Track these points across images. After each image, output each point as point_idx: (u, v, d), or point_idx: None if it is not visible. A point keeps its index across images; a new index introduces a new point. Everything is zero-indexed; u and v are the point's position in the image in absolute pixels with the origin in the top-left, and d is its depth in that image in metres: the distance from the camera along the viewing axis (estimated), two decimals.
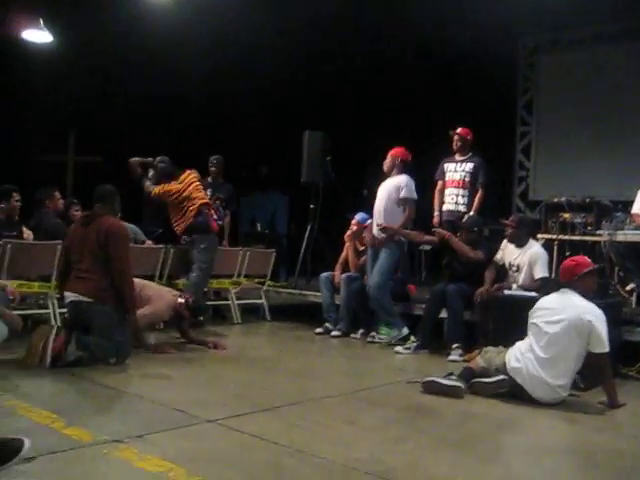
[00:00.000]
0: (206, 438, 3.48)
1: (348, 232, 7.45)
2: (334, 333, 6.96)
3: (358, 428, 3.81)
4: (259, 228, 10.64)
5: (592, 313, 4.38)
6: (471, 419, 4.16)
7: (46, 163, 11.88)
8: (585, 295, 4.53)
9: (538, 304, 4.61)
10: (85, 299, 5.10)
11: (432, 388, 4.58)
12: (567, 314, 4.39)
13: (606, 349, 4.34)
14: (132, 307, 5.28)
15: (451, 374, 4.70)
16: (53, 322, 5.81)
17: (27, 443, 2.79)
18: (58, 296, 5.72)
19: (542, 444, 3.78)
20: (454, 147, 7.36)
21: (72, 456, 3.06)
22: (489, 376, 4.57)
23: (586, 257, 4.99)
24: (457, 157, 7.39)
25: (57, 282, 5.75)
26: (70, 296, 5.19)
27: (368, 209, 7.43)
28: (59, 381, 4.46)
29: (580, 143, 9.38)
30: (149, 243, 7.47)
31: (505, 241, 6.22)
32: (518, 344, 4.55)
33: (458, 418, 4.16)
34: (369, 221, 7.21)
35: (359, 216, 7.40)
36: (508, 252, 6.18)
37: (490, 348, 4.78)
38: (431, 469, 3.20)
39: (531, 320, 4.55)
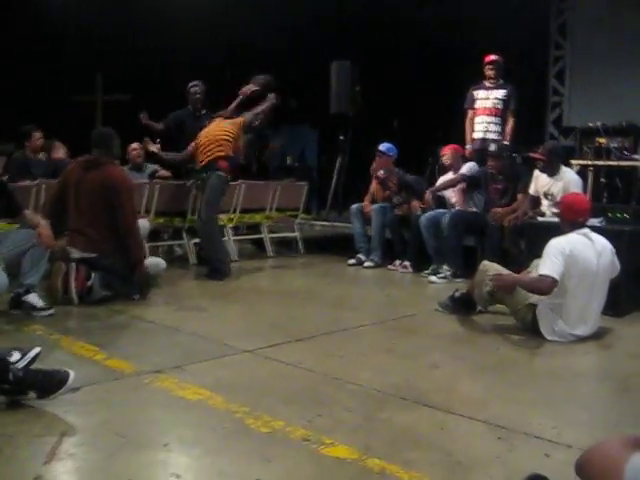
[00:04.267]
0: (243, 367, 3.55)
1: (374, 164, 7.37)
2: (367, 264, 6.98)
3: (393, 356, 3.86)
4: (289, 161, 10.59)
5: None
6: (506, 346, 4.18)
7: (77, 103, 11.92)
8: None
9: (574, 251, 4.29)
10: (89, 255, 4.94)
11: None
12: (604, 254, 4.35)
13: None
14: (139, 260, 5.12)
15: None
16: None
17: (72, 374, 2.88)
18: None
19: (576, 369, 3.80)
20: (488, 75, 7.15)
21: (115, 386, 3.16)
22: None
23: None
24: (487, 84, 7.19)
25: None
26: (74, 252, 4.94)
27: (398, 139, 7.38)
28: (98, 316, 4.56)
29: (616, 67, 9.05)
30: (164, 173, 7.35)
31: (536, 172, 6.09)
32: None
33: (493, 345, 4.18)
34: (393, 152, 7.17)
35: (383, 147, 7.29)
36: (541, 182, 6.06)
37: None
38: (466, 393, 3.25)
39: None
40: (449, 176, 6.98)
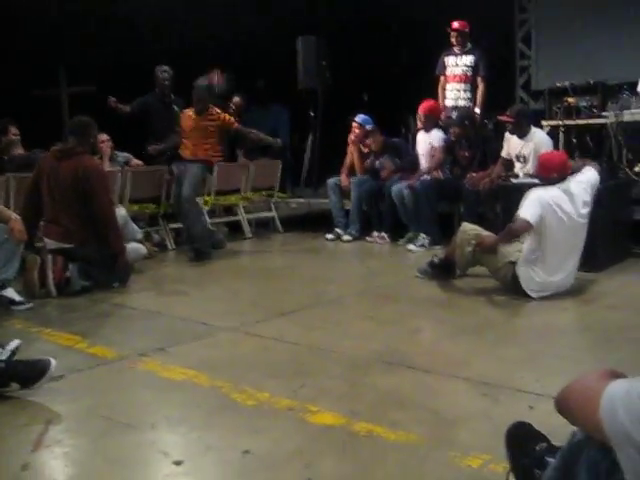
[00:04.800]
0: (226, 345, 3.56)
1: (351, 136, 7.36)
2: (345, 238, 6.98)
3: (375, 323, 3.89)
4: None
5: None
6: (486, 307, 4.22)
7: (39, 98, 11.69)
8: None
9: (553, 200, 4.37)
10: (65, 245, 4.90)
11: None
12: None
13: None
14: (120, 250, 5.03)
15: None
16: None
17: (53, 362, 2.86)
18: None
19: (556, 324, 3.85)
20: (454, 43, 7.17)
21: (98, 372, 3.15)
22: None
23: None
24: (457, 51, 7.21)
25: (22, 216, 4.62)
26: (50, 243, 4.95)
27: (368, 112, 7.37)
28: (78, 306, 4.53)
29: (581, 26, 9.05)
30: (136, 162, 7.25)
31: (507, 134, 6.11)
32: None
33: (473, 307, 4.22)
34: (370, 126, 7.16)
35: (359, 118, 7.28)
36: (512, 145, 6.08)
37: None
38: (449, 354, 3.28)
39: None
40: (421, 138, 7.01)
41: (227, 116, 6.65)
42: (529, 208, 4.25)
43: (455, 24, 7.13)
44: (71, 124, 5.19)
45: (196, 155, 6.47)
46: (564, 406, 1.42)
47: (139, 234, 6.08)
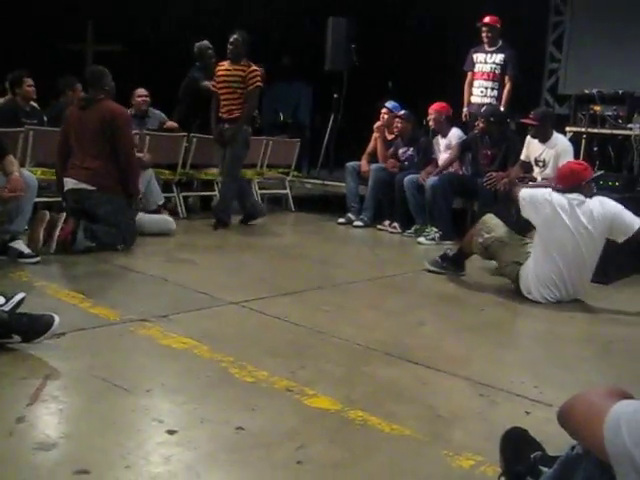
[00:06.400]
0: (229, 319, 3.56)
1: (378, 123, 7.31)
2: (356, 223, 6.96)
3: (380, 312, 3.88)
4: (281, 118, 10.47)
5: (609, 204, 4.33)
6: (492, 307, 4.20)
7: (65, 51, 11.66)
8: None
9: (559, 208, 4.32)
10: (86, 186, 5.02)
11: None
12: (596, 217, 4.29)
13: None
14: (136, 192, 5.30)
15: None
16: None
17: (57, 319, 2.86)
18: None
19: (559, 332, 3.83)
20: (484, 38, 7.07)
21: (100, 333, 3.16)
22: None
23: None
24: (487, 47, 7.10)
25: (56, 168, 5.38)
26: (70, 182, 5.07)
27: (395, 99, 7.33)
28: (86, 264, 4.55)
29: (616, 35, 8.96)
30: (171, 124, 7.23)
31: (528, 138, 6.05)
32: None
33: (479, 305, 4.20)
34: (401, 111, 7.11)
35: (390, 104, 7.25)
36: (532, 148, 6.02)
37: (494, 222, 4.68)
38: (449, 351, 3.27)
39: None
40: (440, 142, 6.95)
41: (256, 72, 6.32)
42: (533, 191, 4.43)
43: (486, 19, 7.03)
44: (86, 75, 5.33)
45: (232, 114, 6.33)
46: (567, 419, 1.41)
47: (161, 199, 6.12)
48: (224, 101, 6.37)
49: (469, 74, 7.24)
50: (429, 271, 4.91)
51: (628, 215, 4.26)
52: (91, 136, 5.05)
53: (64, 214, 4.86)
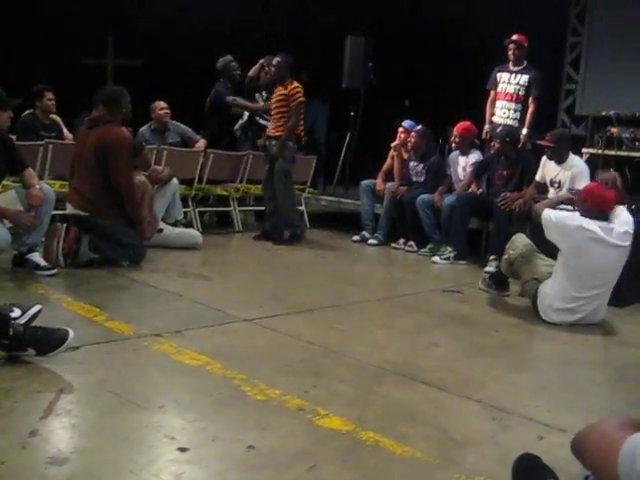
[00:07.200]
0: (242, 336, 3.57)
1: (396, 142, 7.32)
2: (371, 241, 6.96)
3: (393, 332, 3.87)
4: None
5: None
6: (506, 328, 4.18)
7: (86, 66, 11.79)
8: None
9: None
10: (81, 213, 4.95)
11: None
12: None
13: None
14: (137, 221, 5.11)
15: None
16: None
17: (71, 333, 2.89)
18: None
19: (574, 356, 3.80)
20: (510, 56, 6.94)
21: (114, 347, 3.18)
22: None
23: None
24: (512, 67, 6.98)
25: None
26: (69, 207, 5.04)
27: (411, 117, 7.34)
28: (101, 277, 4.58)
29: (633, 56, 8.95)
30: (202, 142, 7.26)
31: (544, 158, 6.03)
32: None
33: (493, 327, 4.18)
34: (417, 127, 7.12)
35: (407, 123, 7.26)
36: (548, 169, 6.00)
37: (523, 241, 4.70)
38: (462, 373, 3.25)
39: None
40: (460, 161, 6.94)
41: (297, 89, 6.52)
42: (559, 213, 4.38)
43: (515, 36, 6.91)
44: (102, 93, 5.19)
45: (277, 130, 6.58)
46: (581, 449, 1.40)
47: (181, 214, 6.14)
48: (272, 120, 6.71)
49: (492, 93, 7.13)
50: (480, 289, 4.99)
51: None
52: (88, 159, 4.97)
53: (64, 224, 4.84)
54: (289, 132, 6.50)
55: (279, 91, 6.57)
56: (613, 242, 4.21)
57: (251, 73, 7.80)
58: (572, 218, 4.33)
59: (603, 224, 4.24)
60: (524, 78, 6.91)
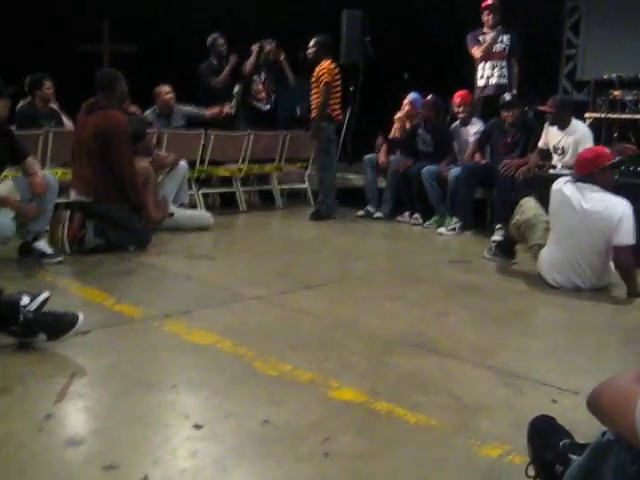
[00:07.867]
0: (252, 313, 3.57)
1: (399, 113, 7.27)
2: (376, 215, 6.95)
3: (402, 303, 3.86)
4: (299, 112, 10.45)
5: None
6: (514, 296, 4.17)
7: (82, 53, 11.73)
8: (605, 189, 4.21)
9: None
10: (85, 199, 4.94)
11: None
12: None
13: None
14: (140, 207, 5.09)
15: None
16: None
17: (81, 316, 2.90)
18: None
19: (585, 320, 3.78)
20: (488, 22, 6.96)
21: (124, 329, 3.18)
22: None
23: (605, 148, 4.65)
24: (487, 30, 7.01)
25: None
26: (72, 194, 5.03)
27: (408, 93, 7.30)
28: (108, 262, 4.58)
29: (634, 19, 8.84)
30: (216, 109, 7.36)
31: (547, 125, 5.98)
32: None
33: (501, 295, 4.18)
34: (419, 104, 7.09)
35: (412, 96, 7.21)
36: (551, 136, 5.96)
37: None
38: (473, 341, 3.25)
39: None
40: (462, 133, 6.89)
41: (323, 70, 6.69)
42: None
43: (488, 0, 6.94)
44: (96, 78, 5.11)
45: (314, 112, 6.80)
46: (597, 405, 1.39)
47: (187, 198, 6.13)
48: (312, 101, 6.88)
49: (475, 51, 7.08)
50: (485, 258, 4.99)
51: (626, 228, 4.04)
52: (87, 145, 4.94)
53: (68, 211, 4.84)
54: (319, 112, 6.69)
55: (314, 72, 6.74)
56: (582, 206, 4.13)
57: (248, 67, 7.78)
58: (558, 182, 4.34)
59: (585, 185, 4.19)
60: (506, 37, 6.98)
